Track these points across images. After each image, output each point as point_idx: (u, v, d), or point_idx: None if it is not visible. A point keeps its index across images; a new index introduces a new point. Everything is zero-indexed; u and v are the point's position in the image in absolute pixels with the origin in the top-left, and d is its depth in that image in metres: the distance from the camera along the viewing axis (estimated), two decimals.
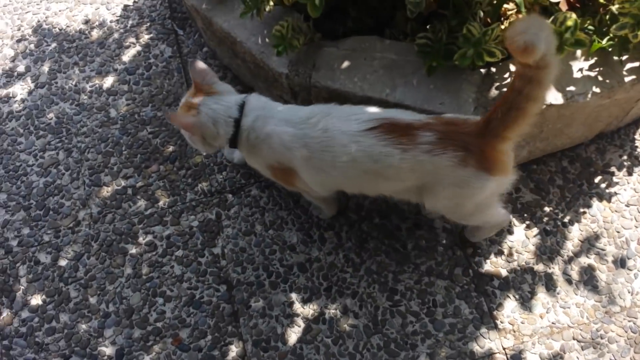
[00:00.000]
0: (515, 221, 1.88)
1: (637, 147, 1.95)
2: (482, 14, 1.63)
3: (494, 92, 1.63)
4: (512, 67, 1.64)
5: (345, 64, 1.71)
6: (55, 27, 2.36)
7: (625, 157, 1.94)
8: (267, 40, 1.78)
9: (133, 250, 1.94)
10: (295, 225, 1.95)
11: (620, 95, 1.64)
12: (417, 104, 1.63)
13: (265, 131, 1.50)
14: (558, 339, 1.72)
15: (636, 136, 1.97)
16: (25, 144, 2.14)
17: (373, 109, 1.46)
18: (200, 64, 1.53)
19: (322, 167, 1.50)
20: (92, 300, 1.88)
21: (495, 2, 1.60)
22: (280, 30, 1.67)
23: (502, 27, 1.62)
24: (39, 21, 2.39)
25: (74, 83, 2.24)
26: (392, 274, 1.85)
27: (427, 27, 1.72)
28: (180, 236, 1.96)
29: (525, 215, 1.89)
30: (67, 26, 2.36)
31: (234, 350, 1.78)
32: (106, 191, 2.04)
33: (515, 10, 1.73)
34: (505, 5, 1.70)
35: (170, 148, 2.10)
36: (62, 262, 1.94)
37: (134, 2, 2.39)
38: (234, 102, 1.53)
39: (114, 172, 2.07)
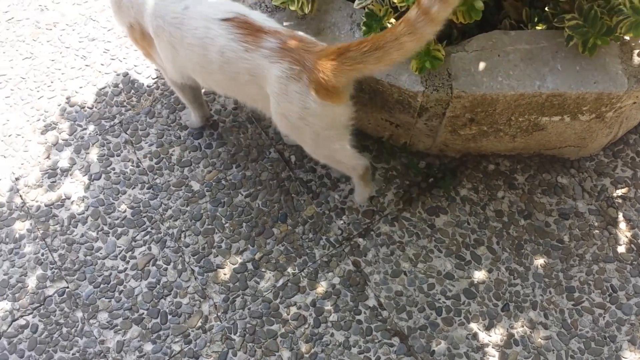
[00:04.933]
0: None
1: None
2: None
3: (637, 59, 1.59)
4: None
5: (482, 65, 1.60)
6: (83, 107, 2.00)
7: None
8: None
9: (282, 330, 1.69)
10: (441, 251, 1.80)
11: None
12: (573, 88, 1.56)
13: None
14: None
15: None
16: (107, 248, 1.79)
17: (237, 5, 1.50)
18: None
19: (172, 43, 1.52)
20: None
21: None
22: None
23: None
24: (59, 105, 2.01)
25: (134, 164, 1.91)
26: (561, 273, 1.77)
27: (546, 9, 1.65)
28: (326, 299, 1.74)
29: None
30: (98, 102, 2.01)
31: None
32: (223, 274, 1.76)
33: None
34: None
35: (276, 207, 1.86)
36: None
37: None
38: None
39: (223, 250, 1.79)
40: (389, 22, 1.53)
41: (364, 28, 1.55)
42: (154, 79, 2.05)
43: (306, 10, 1.58)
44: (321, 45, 1.43)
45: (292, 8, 1.55)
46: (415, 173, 1.90)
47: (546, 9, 1.65)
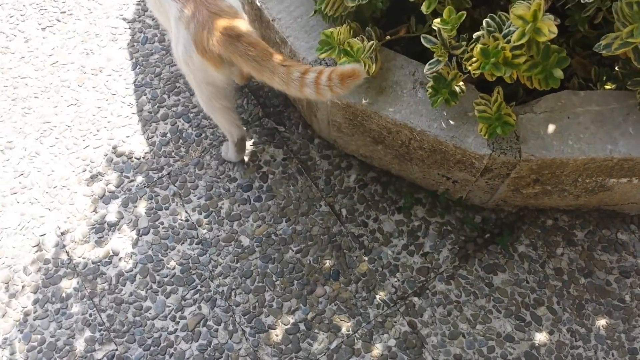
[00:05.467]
0: None
1: None
2: None
3: None
4: None
5: (551, 127, 1.55)
6: (131, 157, 1.96)
7: None
8: (451, 122, 1.58)
9: None
10: (500, 311, 1.74)
11: None
12: None
13: None
14: None
15: None
16: (156, 308, 1.74)
17: None
18: None
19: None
20: None
21: None
22: (486, 110, 1.47)
23: None
24: (106, 154, 1.97)
25: (183, 218, 1.87)
26: (624, 334, 1.71)
27: (616, 68, 1.61)
28: None
29: None
30: (145, 152, 1.97)
31: None
32: (275, 335, 1.71)
33: None
34: None
35: (327, 263, 1.81)
36: None
37: None
38: None
39: (274, 309, 1.74)
40: (456, 86, 1.48)
41: (429, 90, 1.51)
42: (202, 128, 2.01)
43: (371, 72, 1.54)
44: (226, 8, 1.49)
45: None
46: (471, 228, 1.85)
47: (616, 68, 1.60)
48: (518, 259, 1.82)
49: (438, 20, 1.40)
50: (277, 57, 1.45)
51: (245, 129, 1.90)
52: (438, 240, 1.85)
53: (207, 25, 1.46)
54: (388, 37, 1.66)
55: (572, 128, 1.55)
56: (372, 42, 1.54)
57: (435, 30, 1.46)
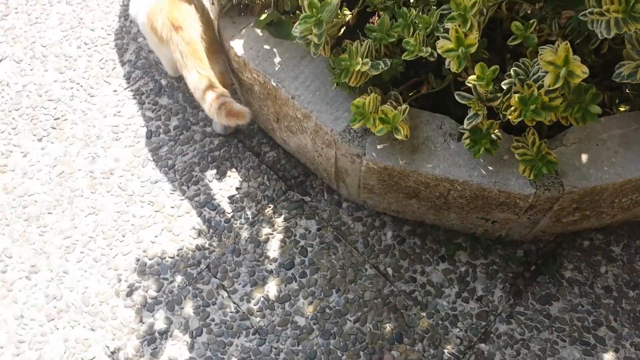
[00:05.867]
0: None
1: None
2: None
3: None
4: None
5: (584, 157, 1.61)
6: (164, 257, 1.91)
7: None
8: (490, 168, 1.62)
9: None
10: (565, 340, 1.77)
11: None
12: None
13: None
14: None
15: None
16: None
17: None
18: None
19: None
20: None
21: None
22: (526, 152, 1.52)
23: None
24: (138, 259, 1.90)
25: (233, 310, 1.82)
26: None
27: (627, 90, 1.70)
28: None
29: None
30: (179, 249, 1.92)
31: None
32: None
33: None
34: None
35: (388, 327, 1.79)
36: None
37: (237, 189, 2.02)
38: None
39: None
40: (494, 134, 1.53)
41: (468, 142, 1.55)
42: (229, 213, 1.98)
43: (408, 135, 1.57)
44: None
45: (399, 137, 1.54)
46: (516, 264, 1.88)
47: (627, 90, 1.70)
48: (567, 284, 1.86)
49: (473, 77, 1.45)
50: (198, 63, 1.71)
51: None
52: (488, 281, 1.87)
53: (162, 8, 1.74)
54: (410, 95, 1.71)
55: (603, 154, 1.62)
56: (404, 106, 1.58)
57: (452, 79, 1.52)
